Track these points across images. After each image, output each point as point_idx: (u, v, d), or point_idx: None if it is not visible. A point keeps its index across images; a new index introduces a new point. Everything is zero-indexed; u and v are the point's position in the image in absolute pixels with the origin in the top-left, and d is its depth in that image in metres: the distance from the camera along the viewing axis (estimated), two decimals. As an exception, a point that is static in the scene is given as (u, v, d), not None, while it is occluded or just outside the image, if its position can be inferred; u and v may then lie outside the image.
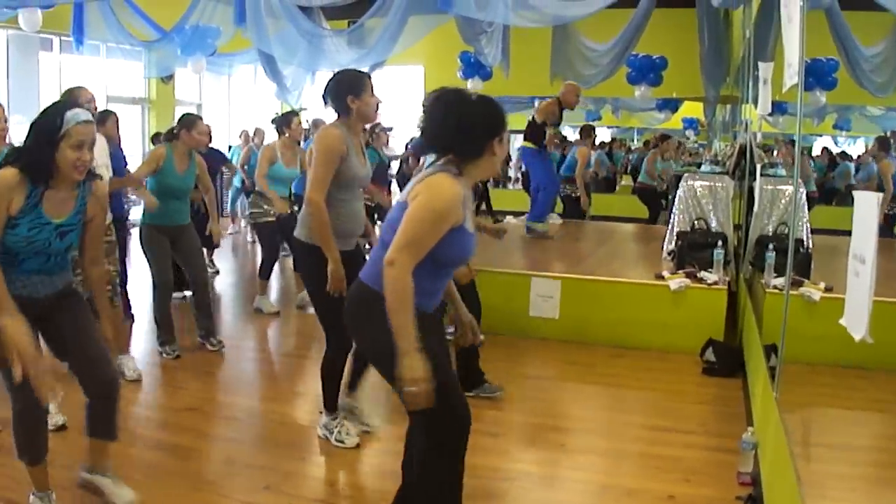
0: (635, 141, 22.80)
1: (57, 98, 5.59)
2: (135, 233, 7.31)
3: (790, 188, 7.64)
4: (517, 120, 17.86)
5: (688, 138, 19.85)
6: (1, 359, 3.39)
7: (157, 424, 5.28)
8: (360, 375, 5.10)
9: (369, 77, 4.67)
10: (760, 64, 6.41)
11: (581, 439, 5.14)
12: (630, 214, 14.17)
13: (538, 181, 10.20)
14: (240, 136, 13.79)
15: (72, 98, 5.34)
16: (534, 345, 7.05)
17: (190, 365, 6.44)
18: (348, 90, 4.55)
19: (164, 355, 6.54)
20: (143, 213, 6.54)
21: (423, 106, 3.22)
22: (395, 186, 13.09)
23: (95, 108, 5.75)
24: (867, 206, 2.81)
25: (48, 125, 3.45)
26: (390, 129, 13.24)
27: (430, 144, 3.26)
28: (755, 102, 7.51)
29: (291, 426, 5.24)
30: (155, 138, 7.14)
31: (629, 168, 18.64)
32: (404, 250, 3.02)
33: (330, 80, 4.67)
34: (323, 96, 4.67)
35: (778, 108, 7.19)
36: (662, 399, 5.85)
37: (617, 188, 18.37)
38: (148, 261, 6.58)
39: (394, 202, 3.32)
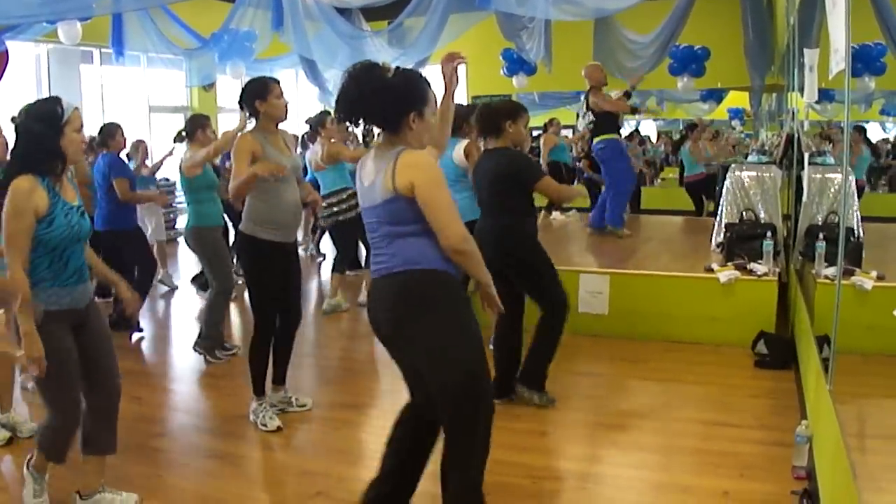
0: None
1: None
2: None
3: (839, 176, 7.53)
4: (564, 115, 17.94)
5: (733, 128, 19.63)
6: (42, 371, 3.53)
7: (208, 432, 5.32)
8: (286, 367, 5.47)
9: (277, 82, 5.05)
10: (806, 51, 6.31)
11: (634, 436, 5.09)
12: (671, 207, 14.07)
13: (616, 177, 9.93)
14: None
15: None
16: (583, 341, 6.99)
17: (238, 372, 6.45)
18: (255, 95, 4.92)
19: (217, 360, 6.65)
20: (196, 217, 6.65)
21: (342, 79, 3.33)
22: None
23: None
24: None
25: (50, 115, 3.59)
26: None
27: (344, 117, 3.36)
28: (801, 90, 7.41)
29: (343, 430, 5.25)
30: (177, 138, 7.28)
31: (669, 160, 18.48)
32: (456, 224, 3.21)
33: (242, 89, 5.04)
34: (238, 102, 5.02)
35: (825, 95, 7.10)
36: (715, 393, 5.80)
37: (656, 182, 18.27)
38: (213, 264, 6.71)
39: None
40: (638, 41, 11.64)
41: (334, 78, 13.04)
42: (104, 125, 7.40)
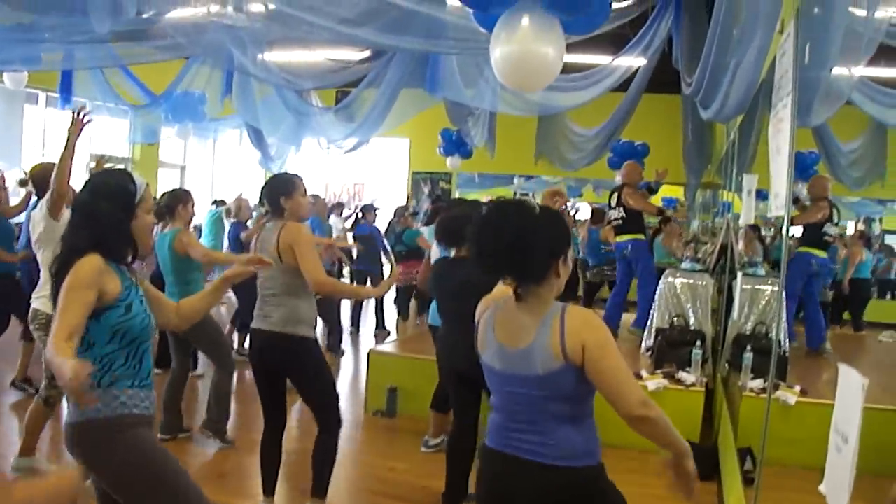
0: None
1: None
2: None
3: (769, 288, 7.71)
4: (502, 193, 18.16)
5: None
6: None
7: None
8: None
9: (300, 179, 4.90)
10: (745, 176, 6.51)
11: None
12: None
13: (647, 277, 9.58)
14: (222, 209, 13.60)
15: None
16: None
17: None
18: (280, 192, 4.77)
19: (229, 443, 6.46)
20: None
21: (474, 219, 2.91)
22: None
23: None
24: (853, 387, 2.83)
25: (124, 193, 3.12)
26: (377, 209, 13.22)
27: (482, 265, 2.89)
28: (738, 192, 7.62)
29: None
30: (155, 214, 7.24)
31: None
32: (635, 389, 2.75)
33: (265, 184, 4.92)
34: (260, 198, 4.87)
35: (759, 194, 7.29)
36: (638, 504, 5.82)
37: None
38: (215, 345, 6.51)
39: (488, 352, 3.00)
40: (581, 134, 11.87)
41: (277, 143, 13.07)
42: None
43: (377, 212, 12.72)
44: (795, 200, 8.85)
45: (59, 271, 2.99)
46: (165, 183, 15.06)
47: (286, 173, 5.07)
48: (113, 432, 2.92)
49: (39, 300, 5.48)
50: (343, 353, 10.15)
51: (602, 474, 2.94)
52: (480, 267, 2.89)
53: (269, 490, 5.04)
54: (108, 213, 3.05)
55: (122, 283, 3.04)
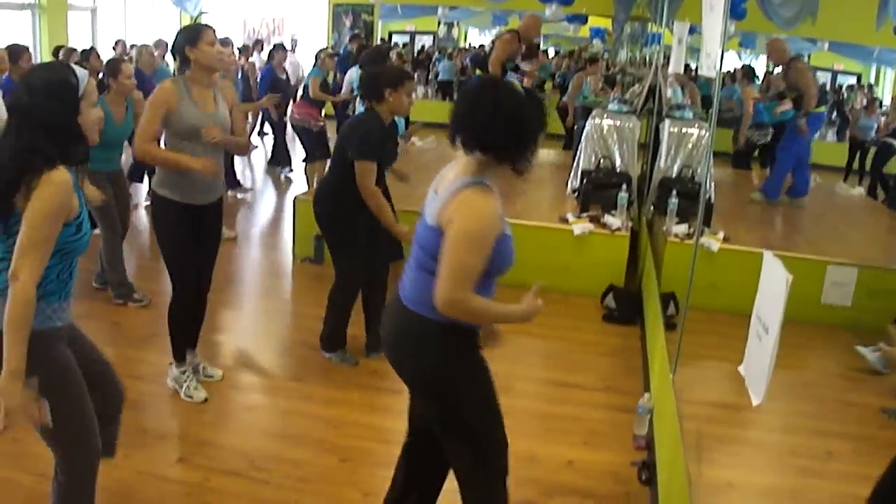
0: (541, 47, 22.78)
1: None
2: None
3: (696, 131, 7.72)
4: (427, 23, 17.88)
5: (594, 47, 19.96)
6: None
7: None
8: (198, 333, 5.14)
9: (211, 29, 4.65)
10: (676, 24, 6.39)
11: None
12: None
13: None
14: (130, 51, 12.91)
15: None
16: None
17: (97, 313, 6.15)
18: (185, 41, 4.54)
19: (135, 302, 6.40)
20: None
21: (464, 93, 2.94)
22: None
23: None
24: (777, 280, 2.83)
25: (68, 88, 2.81)
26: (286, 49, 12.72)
27: (469, 139, 2.83)
28: (668, 27, 7.50)
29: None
30: (57, 52, 6.75)
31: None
32: (461, 286, 2.76)
33: (175, 36, 4.71)
34: (171, 52, 4.73)
35: (691, 30, 7.20)
36: (563, 350, 5.91)
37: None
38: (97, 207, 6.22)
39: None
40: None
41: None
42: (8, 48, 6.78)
43: (287, 51, 12.31)
44: (781, 96, 8.79)
45: (23, 179, 2.68)
46: (76, 27, 14.32)
47: (196, 23, 4.85)
48: (36, 348, 2.75)
49: None
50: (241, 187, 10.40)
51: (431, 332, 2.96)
52: (459, 137, 2.86)
53: (191, 345, 5.11)
54: (58, 111, 2.76)
55: (78, 199, 2.81)
